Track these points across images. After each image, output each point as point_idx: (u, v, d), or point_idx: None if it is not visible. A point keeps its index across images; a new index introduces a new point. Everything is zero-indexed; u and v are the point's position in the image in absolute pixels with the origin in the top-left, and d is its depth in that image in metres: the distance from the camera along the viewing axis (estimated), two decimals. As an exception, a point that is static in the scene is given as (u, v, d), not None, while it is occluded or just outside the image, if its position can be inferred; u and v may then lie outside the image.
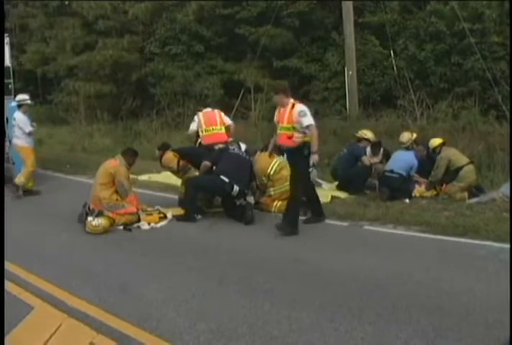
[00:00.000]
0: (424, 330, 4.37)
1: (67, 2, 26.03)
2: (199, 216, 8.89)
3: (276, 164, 9.49)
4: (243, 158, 9.21)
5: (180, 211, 8.84)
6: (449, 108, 15.24)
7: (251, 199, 9.08)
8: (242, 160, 9.13)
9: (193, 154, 9.57)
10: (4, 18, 16.49)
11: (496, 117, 14.62)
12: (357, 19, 17.62)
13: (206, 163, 8.97)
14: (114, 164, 8.69)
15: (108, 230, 7.99)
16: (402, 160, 10.26)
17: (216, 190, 8.88)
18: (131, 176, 9.48)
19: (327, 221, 8.70)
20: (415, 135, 11.05)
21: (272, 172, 9.42)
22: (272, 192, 9.41)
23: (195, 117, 10.36)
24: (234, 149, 9.33)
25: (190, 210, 8.72)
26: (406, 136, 10.94)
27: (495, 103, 15.22)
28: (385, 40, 17.30)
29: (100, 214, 8.12)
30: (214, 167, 9.00)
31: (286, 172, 9.50)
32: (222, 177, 8.54)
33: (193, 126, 10.30)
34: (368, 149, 11.09)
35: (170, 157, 9.66)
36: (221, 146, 9.54)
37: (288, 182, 9.33)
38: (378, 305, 4.95)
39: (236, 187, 8.52)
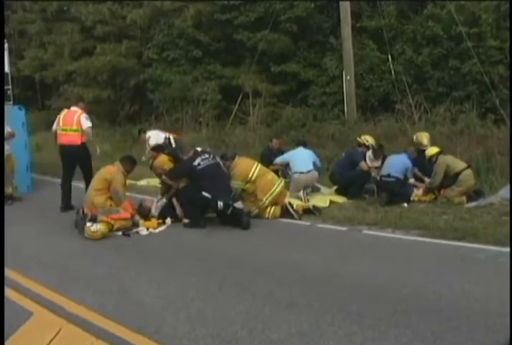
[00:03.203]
0: (424, 334, 4.37)
1: (65, 7, 26.09)
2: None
3: (258, 169, 9.46)
4: (215, 166, 8.97)
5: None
6: (447, 112, 15.28)
7: (239, 204, 8.81)
8: (216, 169, 8.92)
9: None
10: (4, 24, 16.53)
11: (494, 121, 14.66)
12: (355, 23, 17.70)
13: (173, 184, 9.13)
14: (112, 170, 8.73)
15: (106, 235, 7.98)
16: (397, 163, 10.30)
17: (202, 206, 8.69)
18: (129, 181, 9.49)
19: (326, 226, 8.71)
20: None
21: (253, 177, 9.33)
22: (266, 202, 9.29)
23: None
24: (207, 156, 9.03)
25: (195, 216, 8.65)
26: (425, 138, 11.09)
27: (492, 106, 15.28)
28: (383, 45, 17.38)
29: (94, 219, 8.13)
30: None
31: (270, 175, 9.53)
32: (204, 193, 8.43)
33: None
34: (369, 153, 11.13)
35: (164, 159, 9.62)
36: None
37: (275, 186, 9.35)
38: (377, 308, 4.95)
39: (220, 203, 8.39)
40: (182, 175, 9.01)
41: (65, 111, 10.71)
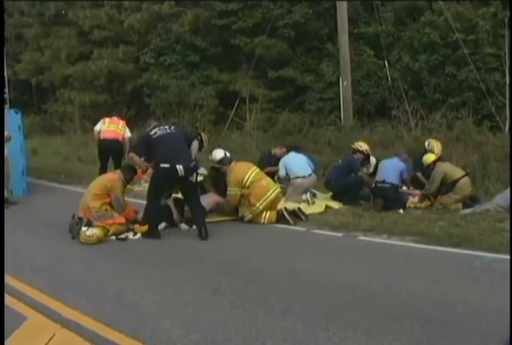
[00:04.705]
0: (418, 340, 4.36)
1: (63, 12, 26.13)
2: (187, 226, 8.90)
3: (253, 174, 9.43)
4: (172, 134, 8.61)
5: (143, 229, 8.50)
6: (443, 119, 15.34)
7: (202, 170, 8.58)
8: (172, 136, 8.58)
9: None
10: (4, 27, 16.63)
11: (490, 128, 14.72)
12: (352, 30, 17.78)
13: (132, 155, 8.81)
14: (112, 177, 8.75)
15: (102, 240, 7.96)
16: (390, 168, 10.32)
17: (168, 180, 8.39)
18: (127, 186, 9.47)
19: (322, 232, 8.71)
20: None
21: (248, 183, 9.31)
22: (260, 208, 9.25)
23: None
24: (166, 127, 8.76)
25: (152, 226, 8.39)
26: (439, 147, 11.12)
27: (488, 113, 15.35)
28: (380, 51, 17.47)
29: (90, 223, 8.12)
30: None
31: (265, 181, 9.51)
32: (162, 165, 8.18)
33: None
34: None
35: None
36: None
37: (270, 192, 9.35)
38: (372, 314, 4.94)
39: (179, 167, 8.08)
40: (142, 146, 8.69)
41: (108, 118, 13.30)
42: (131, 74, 23.22)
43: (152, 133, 8.55)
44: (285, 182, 10.99)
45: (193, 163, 8.52)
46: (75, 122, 24.10)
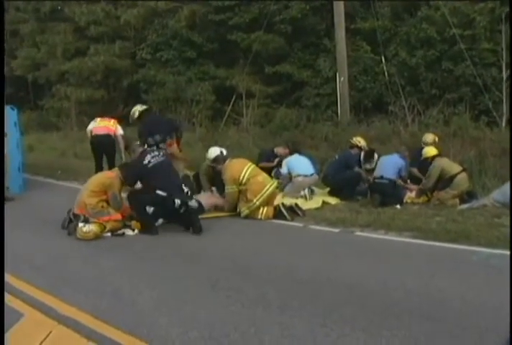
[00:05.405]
0: (416, 337, 4.36)
1: (59, 7, 26.06)
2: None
3: (249, 170, 9.43)
4: (166, 163, 8.79)
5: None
6: (440, 114, 15.35)
7: (193, 203, 8.60)
8: (166, 166, 8.76)
9: None
10: (4, 25, 16.66)
11: (487, 123, 14.73)
12: (349, 25, 17.76)
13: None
14: (110, 175, 8.77)
15: (99, 236, 7.94)
16: (389, 165, 10.33)
17: (160, 206, 8.43)
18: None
19: (319, 227, 8.70)
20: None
21: (244, 180, 9.31)
22: (257, 203, 9.23)
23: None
24: (157, 154, 8.84)
25: (147, 222, 8.39)
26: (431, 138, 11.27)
27: (485, 109, 15.36)
28: (377, 46, 17.46)
29: (86, 220, 8.10)
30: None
31: (261, 177, 9.50)
32: (158, 192, 8.24)
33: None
34: (362, 156, 11.22)
35: None
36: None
37: (266, 187, 9.34)
38: (370, 311, 4.94)
39: (177, 201, 8.23)
40: (135, 176, 8.73)
41: (100, 117, 13.37)
42: (128, 70, 23.18)
43: (146, 162, 8.58)
44: (285, 179, 10.98)
45: (185, 192, 8.70)
46: (72, 118, 24.06)
